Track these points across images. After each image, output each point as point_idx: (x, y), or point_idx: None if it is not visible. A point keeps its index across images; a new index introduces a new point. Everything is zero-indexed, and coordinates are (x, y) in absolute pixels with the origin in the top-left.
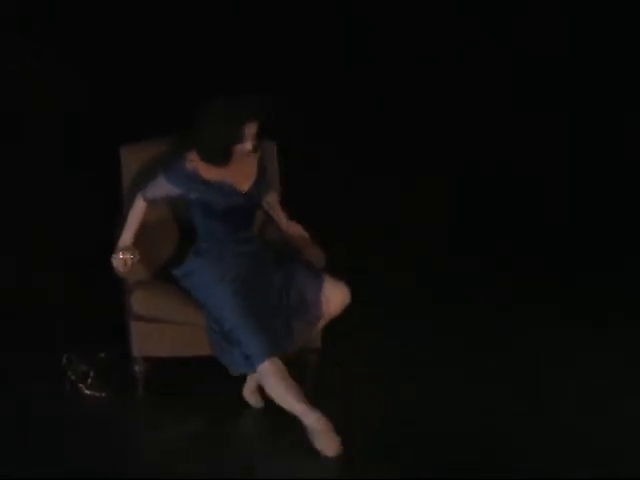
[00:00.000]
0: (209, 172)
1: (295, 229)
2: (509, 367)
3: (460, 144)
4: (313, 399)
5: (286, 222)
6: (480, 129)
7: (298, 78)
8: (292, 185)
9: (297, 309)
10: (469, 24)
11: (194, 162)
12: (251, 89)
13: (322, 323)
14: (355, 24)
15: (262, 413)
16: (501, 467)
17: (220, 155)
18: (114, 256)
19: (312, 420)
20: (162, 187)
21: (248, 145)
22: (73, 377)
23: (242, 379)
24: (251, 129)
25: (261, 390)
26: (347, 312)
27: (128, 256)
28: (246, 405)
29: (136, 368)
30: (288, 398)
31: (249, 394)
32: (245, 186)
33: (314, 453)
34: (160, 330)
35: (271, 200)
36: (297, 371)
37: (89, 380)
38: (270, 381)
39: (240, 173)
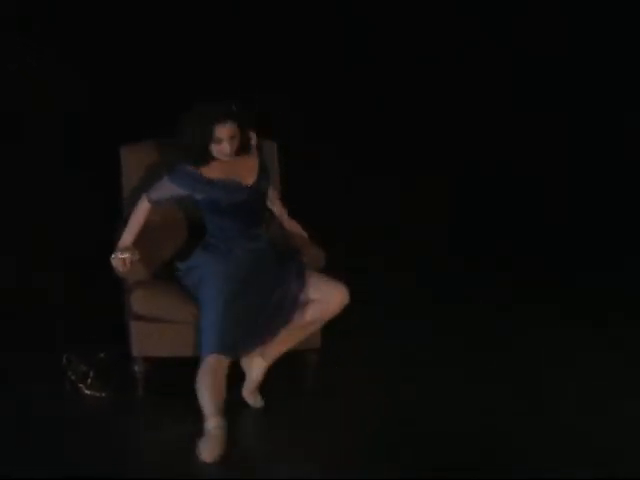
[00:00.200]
0: (212, 171)
1: (295, 227)
2: (509, 367)
3: (460, 144)
4: (313, 399)
5: (287, 219)
6: (480, 129)
7: (298, 78)
8: (292, 185)
9: (276, 308)
10: (469, 24)
11: None
12: (251, 89)
13: (322, 323)
14: (355, 24)
15: (262, 413)
16: (501, 467)
17: (197, 155)
18: (113, 256)
19: (212, 425)
20: (166, 188)
21: (225, 147)
22: (73, 377)
23: (242, 379)
24: (225, 131)
25: (260, 390)
26: (347, 312)
27: (127, 256)
28: (245, 405)
29: (136, 368)
30: (206, 395)
31: (248, 394)
32: (250, 180)
33: (314, 453)
34: (160, 330)
35: (272, 196)
36: (297, 371)
37: (89, 380)
38: (204, 373)
39: (243, 168)
